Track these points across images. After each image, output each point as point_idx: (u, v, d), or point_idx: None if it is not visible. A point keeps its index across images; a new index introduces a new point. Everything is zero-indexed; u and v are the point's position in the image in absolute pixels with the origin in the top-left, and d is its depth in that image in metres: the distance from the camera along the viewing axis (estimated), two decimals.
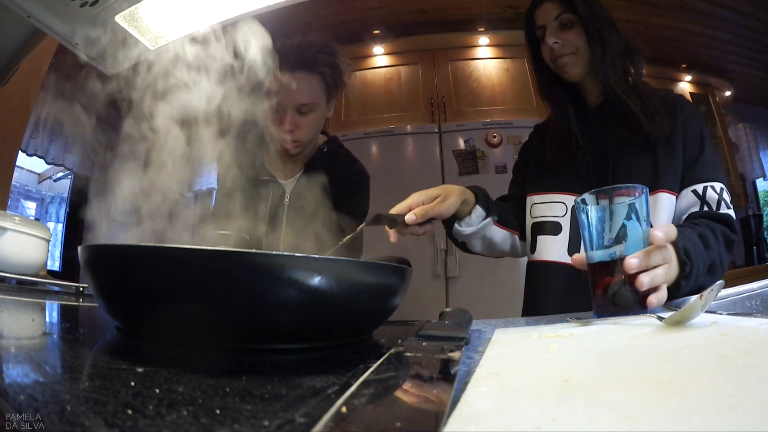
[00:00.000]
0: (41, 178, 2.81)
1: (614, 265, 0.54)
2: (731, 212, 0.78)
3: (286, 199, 1.04)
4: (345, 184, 0.97)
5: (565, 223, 0.87)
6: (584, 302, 0.73)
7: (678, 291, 0.63)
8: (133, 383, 0.22)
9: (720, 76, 3.26)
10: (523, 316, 0.92)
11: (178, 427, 0.17)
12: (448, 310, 0.48)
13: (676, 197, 0.81)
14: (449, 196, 0.76)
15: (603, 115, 0.88)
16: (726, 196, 0.79)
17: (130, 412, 0.18)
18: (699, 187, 0.79)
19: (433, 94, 2.68)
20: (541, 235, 0.89)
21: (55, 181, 2.80)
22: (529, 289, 0.94)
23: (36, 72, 1.43)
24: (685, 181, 0.81)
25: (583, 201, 0.58)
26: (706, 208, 0.78)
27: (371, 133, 2.54)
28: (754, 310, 0.70)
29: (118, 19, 0.85)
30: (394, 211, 0.73)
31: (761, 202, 3.39)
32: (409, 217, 0.71)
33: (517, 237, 0.94)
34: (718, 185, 0.79)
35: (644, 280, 0.52)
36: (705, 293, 0.37)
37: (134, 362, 0.28)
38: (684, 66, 3.20)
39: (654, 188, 0.80)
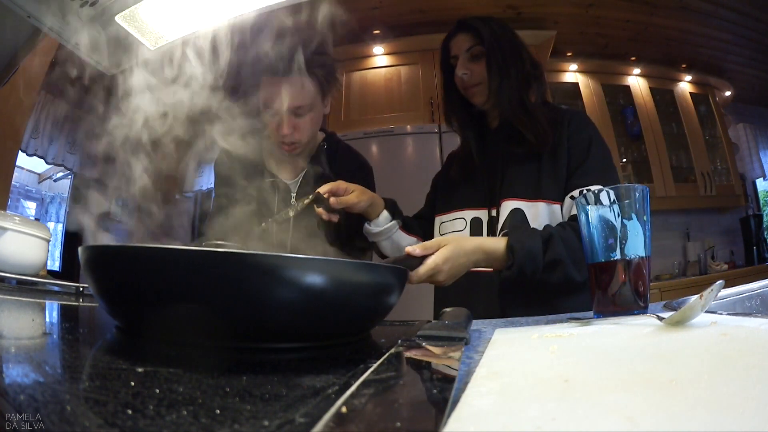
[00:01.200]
0: (41, 178, 2.81)
1: (614, 265, 0.54)
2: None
3: (293, 198, 1.04)
4: (350, 179, 0.97)
5: (465, 235, 0.95)
6: (479, 302, 0.87)
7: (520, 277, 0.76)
8: (133, 383, 0.22)
9: (720, 76, 3.26)
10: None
11: (178, 427, 0.17)
12: (448, 310, 0.48)
13: (560, 206, 0.87)
14: (362, 194, 0.90)
15: (499, 135, 0.96)
16: (603, 197, 0.80)
17: (130, 412, 0.18)
18: (576, 193, 0.84)
19: (433, 94, 2.68)
20: None
21: (55, 181, 2.80)
22: (436, 294, 1.02)
23: (36, 72, 1.43)
24: (566, 189, 0.87)
25: (584, 201, 0.58)
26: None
27: (371, 133, 2.54)
28: (754, 310, 0.70)
29: (118, 19, 0.85)
30: (326, 188, 0.87)
31: (761, 202, 3.39)
32: (332, 201, 0.86)
33: None
34: (595, 188, 0.79)
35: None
36: (705, 293, 0.37)
37: (134, 362, 0.28)
38: (684, 66, 3.20)
39: (535, 197, 0.87)
